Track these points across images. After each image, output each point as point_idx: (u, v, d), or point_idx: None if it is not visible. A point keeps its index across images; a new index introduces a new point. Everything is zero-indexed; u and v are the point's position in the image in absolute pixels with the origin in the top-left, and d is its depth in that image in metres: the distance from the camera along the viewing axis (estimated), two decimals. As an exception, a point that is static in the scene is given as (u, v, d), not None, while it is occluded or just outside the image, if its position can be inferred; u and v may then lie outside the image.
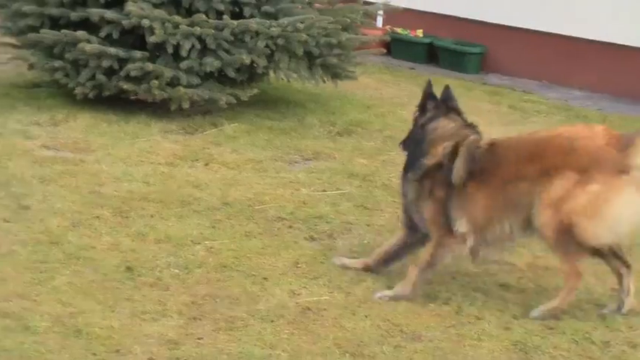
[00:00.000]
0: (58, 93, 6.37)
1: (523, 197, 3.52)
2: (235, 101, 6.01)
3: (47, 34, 5.87)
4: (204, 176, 5.01)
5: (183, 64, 5.75)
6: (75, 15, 5.91)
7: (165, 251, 3.98)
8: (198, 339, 3.24)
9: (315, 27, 5.99)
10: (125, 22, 5.72)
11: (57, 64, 5.95)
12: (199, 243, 4.11)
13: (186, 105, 5.86)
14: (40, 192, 4.67)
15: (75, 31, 5.84)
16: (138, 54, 5.71)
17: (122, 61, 5.79)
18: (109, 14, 5.73)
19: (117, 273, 3.73)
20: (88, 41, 5.74)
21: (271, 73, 6.27)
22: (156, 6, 5.79)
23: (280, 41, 5.88)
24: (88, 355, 3.09)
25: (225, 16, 5.84)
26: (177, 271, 3.79)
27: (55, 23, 6.03)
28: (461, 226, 3.58)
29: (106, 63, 5.76)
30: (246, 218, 4.44)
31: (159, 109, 6.10)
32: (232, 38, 5.83)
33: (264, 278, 3.76)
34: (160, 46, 5.78)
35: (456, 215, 3.59)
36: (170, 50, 5.77)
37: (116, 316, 3.38)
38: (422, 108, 3.84)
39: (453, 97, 3.86)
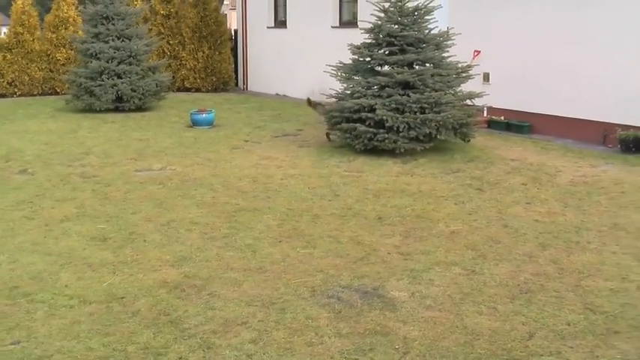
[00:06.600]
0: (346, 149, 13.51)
1: None
2: (423, 148, 12.88)
3: (345, 126, 13.14)
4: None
5: (401, 134, 12.77)
6: (357, 115, 13.03)
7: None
8: None
9: (456, 117, 13.05)
10: (376, 118, 12.83)
11: (347, 135, 13.18)
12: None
13: (402, 151, 12.83)
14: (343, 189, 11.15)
15: (355, 122, 13.11)
16: (381, 131, 12.87)
17: (374, 134, 12.90)
18: (369, 115, 12.94)
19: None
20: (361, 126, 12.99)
21: (438, 136, 12.97)
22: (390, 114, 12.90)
23: (441, 122, 13.04)
24: None
25: (419, 114, 12.76)
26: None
27: (349, 120, 13.26)
28: None
29: (370, 135, 12.87)
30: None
31: (391, 154, 12.96)
32: (420, 122, 12.92)
33: None
34: (390, 127, 12.88)
35: None
36: (394, 128, 12.69)
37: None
38: None
39: None
